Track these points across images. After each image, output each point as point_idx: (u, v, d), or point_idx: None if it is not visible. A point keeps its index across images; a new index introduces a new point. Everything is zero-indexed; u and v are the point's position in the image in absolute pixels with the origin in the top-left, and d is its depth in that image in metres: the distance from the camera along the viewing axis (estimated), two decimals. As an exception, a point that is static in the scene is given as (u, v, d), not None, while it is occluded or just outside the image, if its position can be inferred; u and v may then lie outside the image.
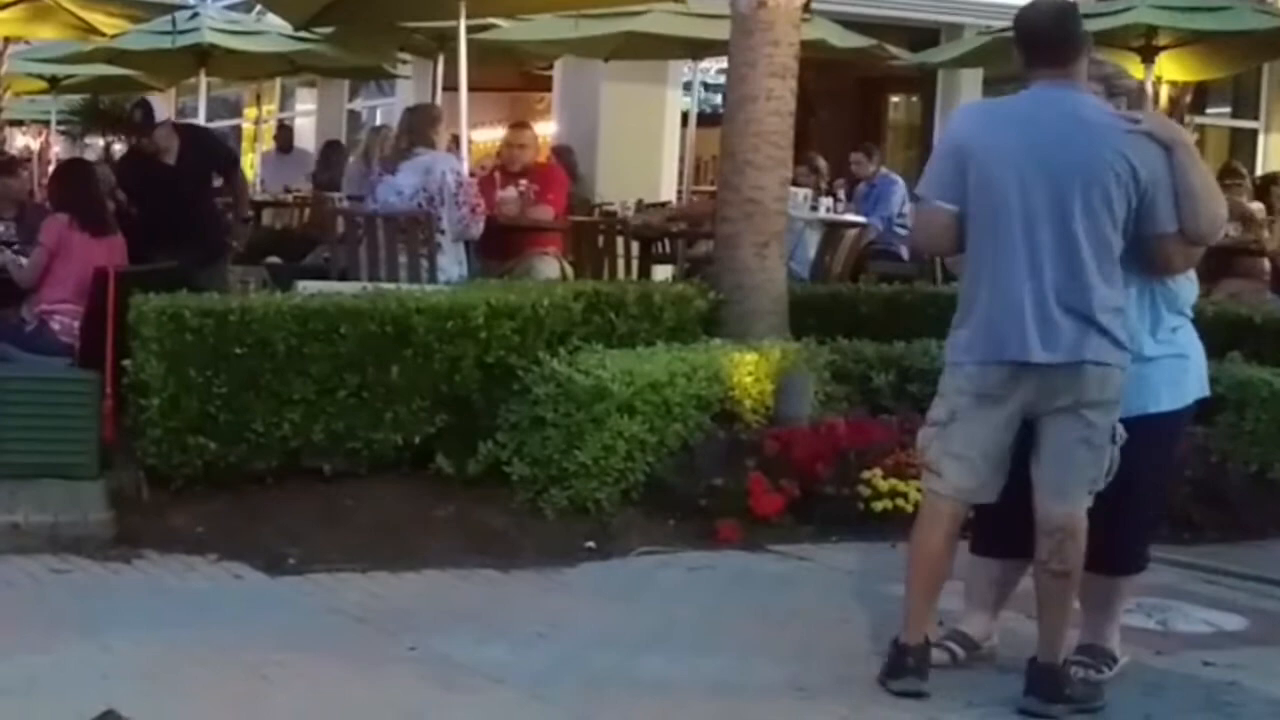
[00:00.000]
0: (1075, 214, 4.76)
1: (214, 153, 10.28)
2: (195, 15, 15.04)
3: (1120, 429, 4.85)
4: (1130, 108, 5.09)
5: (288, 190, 16.32)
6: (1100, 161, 4.79)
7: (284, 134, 19.07)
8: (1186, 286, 5.14)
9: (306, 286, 7.81)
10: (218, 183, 10.19)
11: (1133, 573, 5.20)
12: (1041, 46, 4.96)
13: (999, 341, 4.82)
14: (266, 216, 15.87)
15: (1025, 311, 4.78)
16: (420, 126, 9.44)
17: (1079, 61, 4.93)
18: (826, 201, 13.07)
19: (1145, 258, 4.93)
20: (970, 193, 4.87)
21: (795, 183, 12.00)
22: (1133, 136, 4.83)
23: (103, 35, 13.20)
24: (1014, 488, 4.92)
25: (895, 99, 20.23)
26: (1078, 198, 4.76)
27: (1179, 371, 5.06)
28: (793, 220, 11.25)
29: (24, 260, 8.51)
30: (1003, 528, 5.08)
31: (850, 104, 19.18)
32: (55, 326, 8.15)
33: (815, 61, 10.90)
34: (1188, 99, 16.32)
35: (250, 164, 19.31)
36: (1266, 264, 11.66)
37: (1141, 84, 5.20)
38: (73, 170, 9.73)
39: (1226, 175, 13.06)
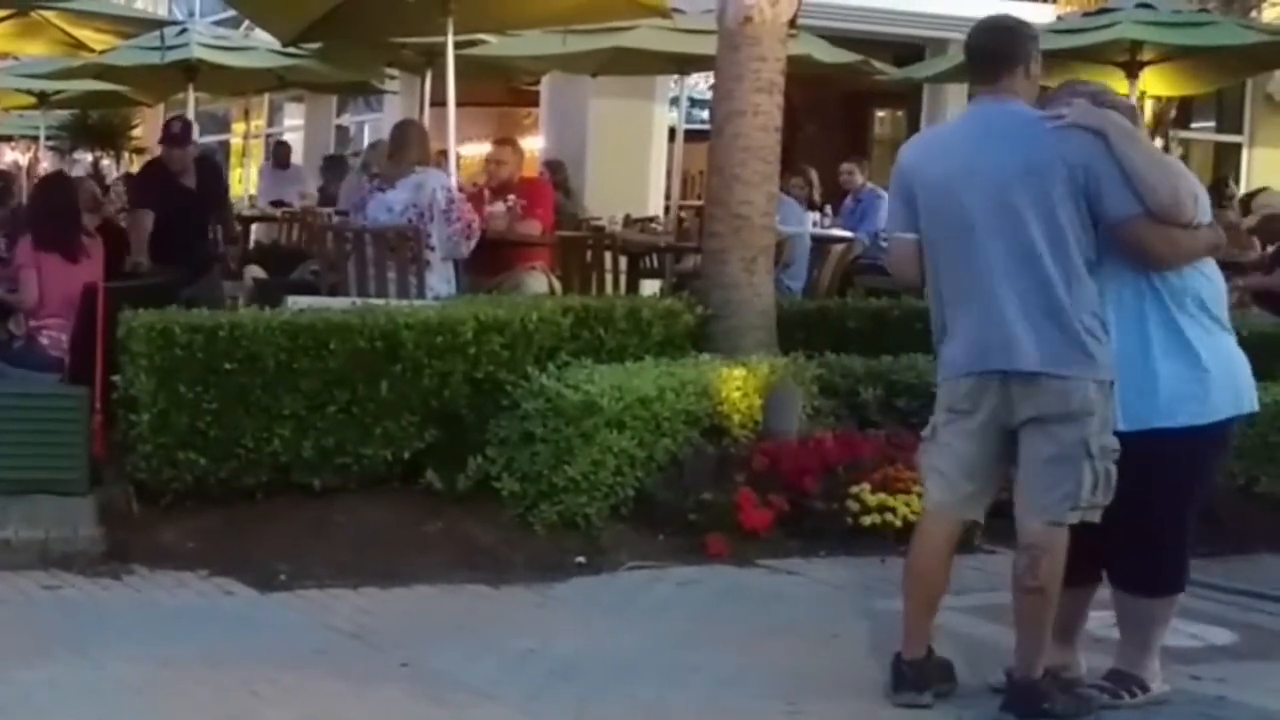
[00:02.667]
0: (1026, 223, 4.79)
1: (221, 189, 11.37)
2: (184, 31, 15.04)
3: (1109, 442, 4.79)
4: None
5: (275, 205, 16.32)
6: (1035, 166, 4.81)
7: (281, 150, 19.05)
8: (1195, 279, 4.92)
9: (296, 302, 7.81)
10: None
11: (1161, 595, 5.09)
12: (973, 63, 5.09)
13: (965, 356, 4.92)
14: (257, 231, 15.88)
15: (986, 324, 4.86)
16: (423, 142, 9.55)
17: (1010, 76, 4.97)
18: (813, 216, 13.10)
19: (1126, 250, 4.85)
20: (923, 221, 5.00)
21: (791, 195, 12.07)
22: (1059, 132, 4.83)
23: (91, 51, 13.23)
24: None
25: (881, 114, 20.31)
26: (1025, 207, 4.79)
27: (1195, 385, 4.87)
28: (798, 236, 11.32)
29: None
30: None
31: (836, 119, 19.24)
32: (44, 341, 8.14)
33: (801, 77, 10.91)
34: (1172, 114, 16.41)
35: (239, 179, 19.30)
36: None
37: (1132, 103, 5.14)
38: (50, 186, 9.57)
39: (1214, 194, 13.08)
